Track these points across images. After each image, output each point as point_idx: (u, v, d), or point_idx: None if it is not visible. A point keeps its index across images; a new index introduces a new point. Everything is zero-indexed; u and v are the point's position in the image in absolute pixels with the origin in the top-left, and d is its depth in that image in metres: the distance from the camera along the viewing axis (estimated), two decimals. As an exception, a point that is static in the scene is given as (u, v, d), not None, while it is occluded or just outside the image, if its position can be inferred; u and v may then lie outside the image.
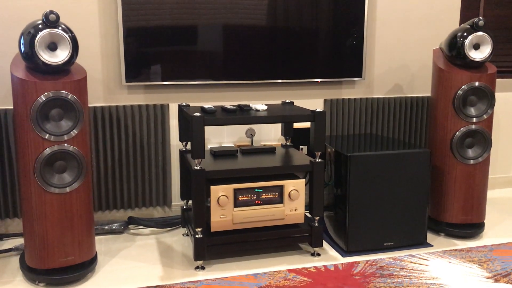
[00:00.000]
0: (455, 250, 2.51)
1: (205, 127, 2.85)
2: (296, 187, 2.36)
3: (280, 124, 2.96)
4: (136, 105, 2.69)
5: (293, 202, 2.37)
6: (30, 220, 2.06)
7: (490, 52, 2.53)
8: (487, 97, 2.57)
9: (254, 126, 2.93)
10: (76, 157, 2.06)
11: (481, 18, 2.52)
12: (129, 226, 2.80)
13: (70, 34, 2.01)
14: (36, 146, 2.00)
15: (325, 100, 3.03)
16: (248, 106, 2.45)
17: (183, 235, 2.70)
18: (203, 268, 2.30)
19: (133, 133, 2.71)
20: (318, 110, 2.32)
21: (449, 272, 2.27)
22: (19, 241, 2.58)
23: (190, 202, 2.73)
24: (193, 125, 2.15)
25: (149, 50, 2.63)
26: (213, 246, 2.29)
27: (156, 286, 2.13)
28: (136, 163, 2.74)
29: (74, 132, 2.05)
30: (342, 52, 2.94)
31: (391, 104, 3.11)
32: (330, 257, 2.42)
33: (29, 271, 2.13)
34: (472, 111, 2.58)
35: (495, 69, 2.59)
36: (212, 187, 2.25)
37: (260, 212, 2.33)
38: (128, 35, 2.59)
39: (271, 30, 2.80)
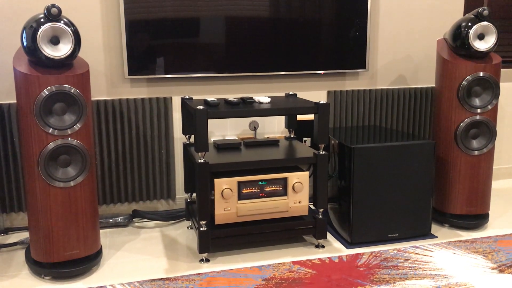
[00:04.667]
0: (460, 241, 2.50)
1: (209, 120, 2.84)
2: (300, 179, 2.36)
3: (283, 117, 2.95)
4: (139, 98, 2.69)
5: (297, 195, 2.37)
6: (35, 214, 2.07)
7: (495, 42, 2.51)
8: (491, 87, 2.55)
9: (258, 119, 2.92)
10: (80, 151, 2.06)
11: (485, 7, 2.50)
12: (133, 219, 2.81)
13: (72, 28, 2.01)
14: (40, 140, 2.00)
15: (328, 92, 3.02)
16: (251, 98, 2.44)
17: (187, 228, 2.71)
18: (207, 260, 2.30)
19: (136, 127, 2.71)
20: (321, 102, 2.31)
21: (454, 263, 2.27)
22: (24, 235, 2.59)
23: (194, 195, 2.73)
24: (196, 118, 2.15)
25: (152, 43, 2.62)
26: (218, 239, 2.30)
27: (161, 278, 2.13)
28: (140, 156, 2.74)
29: (77, 126, 2.05)
30: (346, 43, 2.93)
31: (395, 95, 3.10)
32: (335, 249, 2.42)
33: (35, 265, 2.14)
34: (477, 101, 2.56)
35: (499, 59, 2.57)
36: (216, 180, 2.26)
37: (264, 205, 2.33)
38: (130, 28, 2.58)
39: (274, 22, 2.78)
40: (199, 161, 2.20)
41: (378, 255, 2.35)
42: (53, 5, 1.96)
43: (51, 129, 2.00)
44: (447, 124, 2.61)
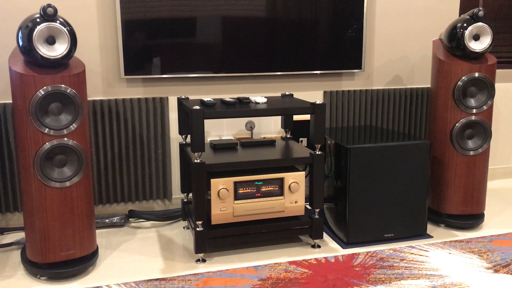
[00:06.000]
0: (455, 241, 2.51)
1: (205, 120, 2.84)
2: (296, 179, 2.36)
3: (280, 117, 2.95)
4: (136, 98, 2.69)
5: (293, 195, 2.37)
6: (30, 214, 2.06)
7: (490, 42, 2.52)
8: (487, 88, 2.56)
9: (254, 119, 2.92)
10: (76, 151, 2.06)
11: (481, 8, 2.51)
12: (129, 219, 2.80)
13: (68, 28, 2.00)
14: (36, 140, 2.00)
15: (324, 92, 3.02)
16: (248, 98, 2.44)
17: (183, 228, 2.70)
18: (204, 260, 2.30)
19: (132, 127, 2.71)
20: (318, 102, 2.32)
21: (449, 263, 2.27)
22: (20, 235, 2.59)
23: (190, 195, 2.73)
24: (192, 118, 2.15)
25: (148, 42, 2.62)
26: (214, 239, 2.30)
27: (157, 279, 2.13)
28: (136, 156, 2.74)
29: (73, 126, 2.05)
30: (342, 44, 2.93)
31: (391, 95, 3.11)
32: (331, 249, 2.43)
33: (31, 265, 2.13)
34: (472, 102, 2.57)
35: (495, 60, 2.58)
36: (213, 180, 2.26)
37: (260, 205, 2.33)
38: (127, 28, 2.57)
39: (270, 22, 2.78)
40: (196, 161, 2.20)
41: (374, 255, 2.35)
42: (49, 5, 1.95)
43: (47, 129, 2.00)
44: (443, 124, 2.62)
